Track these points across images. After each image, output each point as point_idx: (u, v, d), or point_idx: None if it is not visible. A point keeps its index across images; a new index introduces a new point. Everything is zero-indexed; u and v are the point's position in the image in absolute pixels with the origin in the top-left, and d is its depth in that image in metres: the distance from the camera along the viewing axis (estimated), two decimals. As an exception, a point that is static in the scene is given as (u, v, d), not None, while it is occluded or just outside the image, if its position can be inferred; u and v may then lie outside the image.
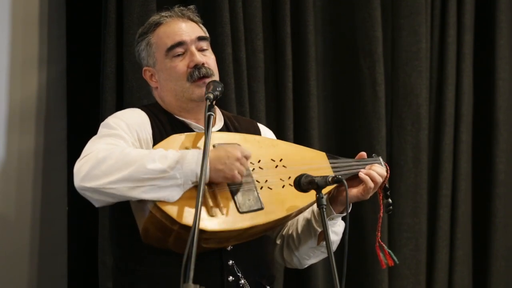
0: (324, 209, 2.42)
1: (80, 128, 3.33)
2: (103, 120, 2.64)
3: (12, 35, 3.24)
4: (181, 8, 2.73)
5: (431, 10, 4.17)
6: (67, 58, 3.38)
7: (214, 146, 2.52)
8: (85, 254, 3.39)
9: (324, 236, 2.42)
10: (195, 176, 2.38)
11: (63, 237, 3.37)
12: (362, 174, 2.65)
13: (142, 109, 2.69)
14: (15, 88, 3.24)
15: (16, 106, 3.24)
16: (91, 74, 3.41)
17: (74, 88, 3.39)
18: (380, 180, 2.66)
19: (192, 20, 2.73)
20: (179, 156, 2.40)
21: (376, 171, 2.66)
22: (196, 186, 2.39)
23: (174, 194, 2.38)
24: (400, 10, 4.08)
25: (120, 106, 3.32)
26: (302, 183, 2.50)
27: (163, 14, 2.72)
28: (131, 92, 3.32)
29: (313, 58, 3.82)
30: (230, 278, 2.54)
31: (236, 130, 2.75)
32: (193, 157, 2.40)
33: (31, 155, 3.28)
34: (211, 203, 2.42)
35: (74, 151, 3.01)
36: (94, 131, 2.61)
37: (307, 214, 2.71)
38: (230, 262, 2.55)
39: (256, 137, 2.69)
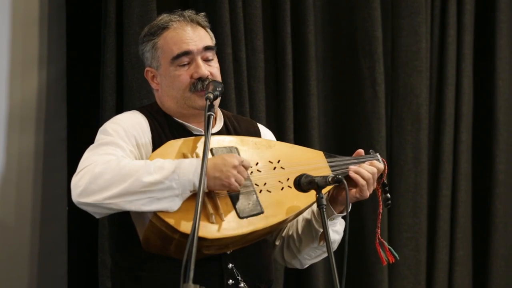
0: (324, 209, 2.42)
1: (80, 128, 3.33)
2: (103, 120, 2.63)
3: (12, 35, 3.24)
4: (191, 12, 2.69)
5: (431, 10, 4.17)
6: (67, 58, 3.38)
7: (212, 150, 2.51)
8: (85, 254, 3.39)
9: (324, 236, 2.42)
10: (193, 185, 2.37)
11: (63, 237, 3.37)
12: (351, 172, 2.61)
13: (141, 111, 2.66)
14: (15, 88, 3.23)
15: (16, 106, 3.24)
16: (91, 74, 3.40)
17: (74, 88, 3.39)
18: (369, 176, 2.61)
19: (200, 24, 2.68)
20: (175, 166, 2.38)
21: (365, 168, 2.62)
22: (195, 194, 2.37)
23: (173, 204, 2.37)
24: (400, 10, 4.08)
25: (120, 106, 3.32)
26: (302, 183, 2.49)
27: (172, 17, 2.66)
28: (131, 92, 3.32)
29: (313, 58, 3.82)
30: (230, 281, 2.54)
31: (236, 130, 2.74)
32: (191, 166, 2.38)
33: (31, 155, 3.28)
34: (211, 210, 2.41)
35: (74, 151, 3.02)
36: (94, 131, 2.60)
37: (306, 214, 2.69)
38: (230, 265, 2.54)
39: (253, 138, 2.68)
